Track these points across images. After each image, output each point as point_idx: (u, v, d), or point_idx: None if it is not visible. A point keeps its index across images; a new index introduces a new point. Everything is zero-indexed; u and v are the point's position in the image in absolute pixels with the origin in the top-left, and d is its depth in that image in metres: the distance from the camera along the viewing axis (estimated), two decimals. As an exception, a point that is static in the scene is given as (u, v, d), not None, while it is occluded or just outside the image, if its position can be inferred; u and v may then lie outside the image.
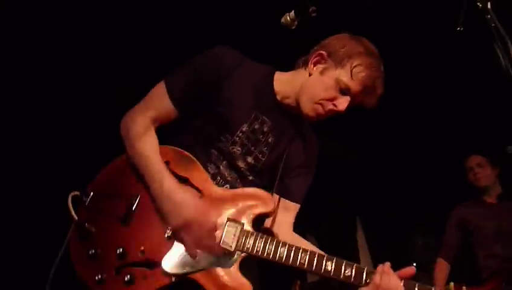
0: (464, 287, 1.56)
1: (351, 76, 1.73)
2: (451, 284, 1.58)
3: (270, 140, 1.87)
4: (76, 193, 1.74)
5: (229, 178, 1.83)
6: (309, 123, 1.97)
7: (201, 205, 1.66)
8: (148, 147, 1.76)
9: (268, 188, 1.84)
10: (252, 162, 1.85)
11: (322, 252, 1.64)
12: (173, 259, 1.61)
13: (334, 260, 1.61)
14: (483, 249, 3.59)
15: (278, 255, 1.62)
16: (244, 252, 1.63)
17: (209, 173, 1.79)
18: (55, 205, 1.84)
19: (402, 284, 1.56)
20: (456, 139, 4.66)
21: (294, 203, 1.97)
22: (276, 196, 1.91)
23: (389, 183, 5.47)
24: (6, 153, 3.48)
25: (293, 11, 1.75)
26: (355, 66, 1.72)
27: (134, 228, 1.68)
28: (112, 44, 3.56)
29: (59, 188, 1.79)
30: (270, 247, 1.63)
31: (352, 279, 1.59)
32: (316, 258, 1.61)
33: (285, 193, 1.95)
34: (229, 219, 1.67)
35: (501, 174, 3.80)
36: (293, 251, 1.62)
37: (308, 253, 1.62)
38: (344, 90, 1.75)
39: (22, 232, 3.48)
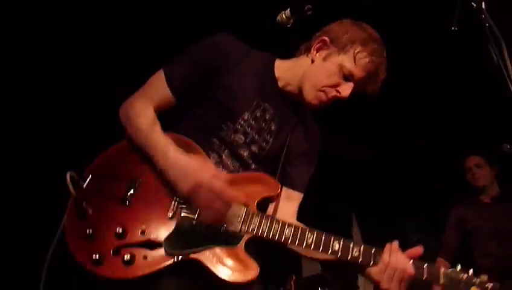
0: (471, 270, 1.56)
1: (355, 62, 1.74)
2: (459, 265, 1.58)
3: (273, 128, 1.85)
4: (73, 173, 1.67)
5: (231, 167, 1.79)
6: (310, 112, 1.97)
7: (210, 165, 1.62)
8: (149, 124, 1.70)
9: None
10: (256, 150, 1.82)
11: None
12: (175, 239, 1.55)
13: (342, 240, 1.57)
14: (479, 249, 3.63)
15: (284, 235, 1.58)
16: (250, 233, 1.58)
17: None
18: (53, 187, 1.77)
19: (411, 263, 1.54)
20: (453, 138, 4.75)
21: (297, 192, 1.93)
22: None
23: (384, 180, 5.53)
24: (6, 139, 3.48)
25: (288, 9, 1.78)
26: (358, 52, 1.73)
27: (135, 208, 1.61)
28: (113, 30, 3.58)
29: (57, 173, 1.72)
30: (276, 227, 1.59)
31: (360, 259, 1.56)
32: (323, 238, 1.57)
33: (287, 182, 1.91)
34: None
35: (498, 173, 3.86)
36: (299, 231, 1.59)
37: (315, 233, 1.58)
38: (347, 76, 1.76)
39: (20, 215, 3.47)
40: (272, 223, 1.59)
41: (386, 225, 5.32)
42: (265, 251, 1.66)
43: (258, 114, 1.82)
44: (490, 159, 3.84)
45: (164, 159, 1.61)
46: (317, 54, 1.81)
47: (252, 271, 1.52)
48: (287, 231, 1.59)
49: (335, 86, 1.77)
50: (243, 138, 1.80)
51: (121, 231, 1.55)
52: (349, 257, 1.55)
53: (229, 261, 1.53)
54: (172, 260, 1.52)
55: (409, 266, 1.53)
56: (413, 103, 4.61)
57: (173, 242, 1.54)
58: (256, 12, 2.92)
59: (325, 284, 4.05)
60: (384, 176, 5.59)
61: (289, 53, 1.95)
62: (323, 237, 1.58)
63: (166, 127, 1.80)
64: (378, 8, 2.16)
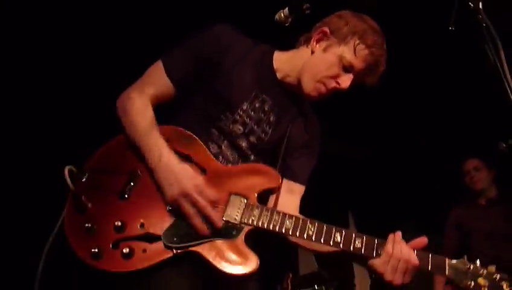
0: (478, 261, 1.54)
1: (355, 53, 1.72)
2: (465, 256, 1.56)
3: (272, 119, 1.84)
4: (72, 168, 1.65)
5: (231, 158, 1.78)
6: (310, 104, 1.96)
7: (200, 177, 1.58)
8: (146, 121, 1.68)
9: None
10: (255, 141, 1.81)
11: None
12: (174, 232, 1.52)
13: (344, 231, 1.56)
14: (475, 250, 3.63)
15: (284, 226, 1.56)
16: (249, 224, 1.56)
17: (211, 152, 1.73)
18: (53, 181, 1.74)
19: (415, 253, 1.52)
20: (453, 138, 4.75)
21: (299, 185, 1.91)
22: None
23: (384, 180, 5.52)
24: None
25: (287, 8, 1.77)
26: (358, 44, 1.72)
27: (134, 201, 1.59)
28: (112, 26, 3.56)
29: (57, 167, 1.69)
30: (277, 218, 1.57)
31: (363, 251, 1.54)
32: (324, 229, 1.55)
33: (288, 174, 1.89)
34: (234, 193, 1.60)
35: (496, 174, 3.87)
36: (300, 222, 1.57)
37: (316, 224, 1.56)
38: (347, 68, 1.74)
39: (19, 210, 3.46)
40: (272, 214, 1.57)
41: (385, 225, 5.30)
42: (262, 249, 1.63)
43: (257, 105, 1.81)
44: (488, 161, 3.82)
45: (157, 161, 1.59)
46: (317, 45, 1.79)
47: (252, 263, 1.50)
48: (287, 222, 1.57)
49: (334, 77, 1.76)
50: (241, 128, 1.78)
51: (120, 224, 1.53)
52: (351, 248, 1.54)
53: (229, 254, 1.50)
54: (172, 253, 1.49)
55: (413, 256, 1.51)
56: (413, 103, 4.60)
57: (172, 235, 1.52)
58: (254, 10, 2.90)
59: (321, 282, 4.03)
60: (384, 176, 5.58)
61: (287, 47, 1.94)
62: (325, 228, 1.56)
63: (165, 118, 1.79)
64: (375, 9, 2.15)
